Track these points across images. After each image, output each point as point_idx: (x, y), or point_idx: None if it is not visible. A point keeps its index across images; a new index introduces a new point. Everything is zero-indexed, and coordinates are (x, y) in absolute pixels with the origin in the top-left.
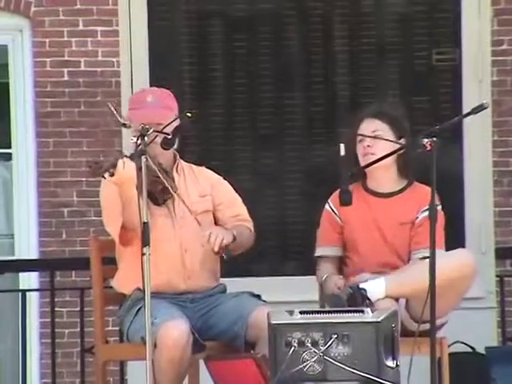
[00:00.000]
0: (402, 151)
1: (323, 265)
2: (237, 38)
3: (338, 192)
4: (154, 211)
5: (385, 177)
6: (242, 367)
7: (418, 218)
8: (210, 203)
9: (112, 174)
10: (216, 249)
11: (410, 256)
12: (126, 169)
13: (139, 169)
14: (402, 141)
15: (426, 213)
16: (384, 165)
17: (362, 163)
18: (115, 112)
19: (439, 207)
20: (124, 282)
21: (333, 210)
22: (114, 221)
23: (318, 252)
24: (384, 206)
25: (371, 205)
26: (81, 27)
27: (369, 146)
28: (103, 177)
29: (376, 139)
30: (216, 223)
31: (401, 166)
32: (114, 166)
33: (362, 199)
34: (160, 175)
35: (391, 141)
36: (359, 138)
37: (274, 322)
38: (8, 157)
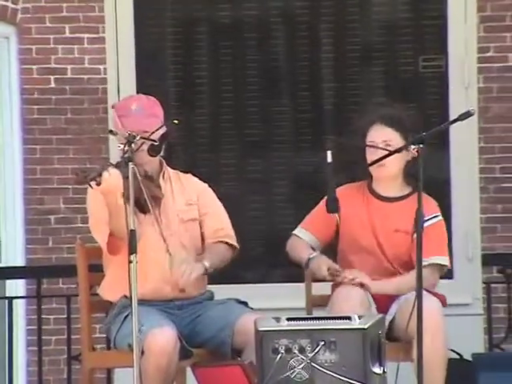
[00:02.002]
0: (410, 158)
1: (298, 241)
2: (223, 44)
3: (345, 186)
4: (142, 220)
5: (391, 184)
6: (229, 374)
7: None
8: (197, 211)
9: (98, 184)
10: (181, 286)
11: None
12: (112, 178)
13: (125, 177)
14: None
15: (427, 223)
16: (392, 174)
17: (372, 171)
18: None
19: (440, 217)
20: (110, 289)
21: None
22: (102, 229)
23: (297, 231)
24: (383, 211)
25: (371, 207)
26: (67, 34)
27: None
28: (89, 185)
29: (387, 148)
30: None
31: (408, 174)
32: (100, 175)
33: (364, 199)
34: (142, 187)
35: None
36: (370, 143)
37: (261, 329)
38: None
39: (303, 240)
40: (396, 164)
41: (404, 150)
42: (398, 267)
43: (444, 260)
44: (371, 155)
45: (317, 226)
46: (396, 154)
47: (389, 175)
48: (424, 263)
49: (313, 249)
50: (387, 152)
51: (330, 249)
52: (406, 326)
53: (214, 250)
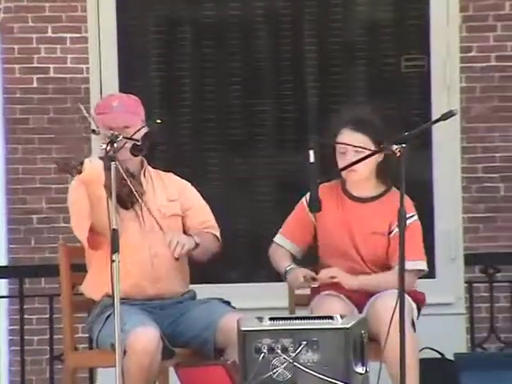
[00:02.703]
0: (381, 158)
1: (279, 251)
2: (206, 44)
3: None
4: (123, 215)
5: (364, 185)
6: (211, 374)
7: (393, 231)
8: (179, 207)
9: (79, 172)
10: (176, 255)
11: (390, 266)
12: (94, 167)
13: (107, 169)
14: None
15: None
16: (364, 178)
17: (343, 175)
18: (86, 113)
19: (415, 217)
20: (93, 287)
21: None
22: (82, 224)
23: (277, 238)
24: (358, 212)
25: (346, 208)
26: (50, 34)
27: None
28: (70, 174)
29: (358, 153)
30: (183, 229)
31: (380, 173)
32: (82, 163)
33: (339, 200)
34: (126, 178)
35: (373, 152)
36: (340, 149)
37: (243, 329)
38: None
39: (283, 248)
40: (366, 168)
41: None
42: (376, 269)
43: (421, 265)
44: (341, 160)
45: (295, 232)
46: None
47: (360, 179)
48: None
49: (293, 256)
50: (358, 157)
51: (309, 253)
52: (373, 325)
53: (202, 234)
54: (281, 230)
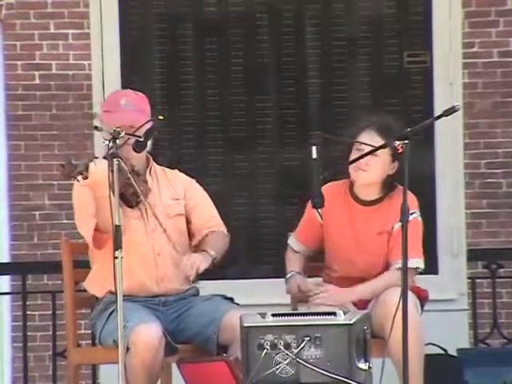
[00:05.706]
0: (393, 172)
1: (291, 253)
2: (208, 41)
3: (326, 187)
4: (128, 213)
5: (370, 188)
6: (214, 370)
7: (394, 227)
8: (183, 207)
9: (85, 177)
10: (192, 279)
11: (389, 265)
12: (99, 169)
13: (113, 169)
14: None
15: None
16: (373, 179)
17: (351, 173)
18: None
19: (416, 214)
20: (96, 283)
21: None
22: (87, 223)
23: (290, 240)
24: (364, 214)
25: (352, 210)
26: (52, 30)
27: (366, 163)
28: (76, 179)
29: (374, 156)
30: (189, 225)
31: (387, 183)
32: (87, 168)
33: (345, 202)
34: (131, 178)
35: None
36: (361, 145)
37: (246, 325)
38: None
39: (294, 252)
40: (377, 172)
41: (388, 162)
42: (375, 271)
43: (415, 263)
44: (355, 156)
45: (305, 234)
46: (379, 164)
47: (368, 182)
48: (396, 265)
49: (305, 257)
50: (372, 159)
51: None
52: (378, 320)
53: (214, 239)
54: (294, 232)
